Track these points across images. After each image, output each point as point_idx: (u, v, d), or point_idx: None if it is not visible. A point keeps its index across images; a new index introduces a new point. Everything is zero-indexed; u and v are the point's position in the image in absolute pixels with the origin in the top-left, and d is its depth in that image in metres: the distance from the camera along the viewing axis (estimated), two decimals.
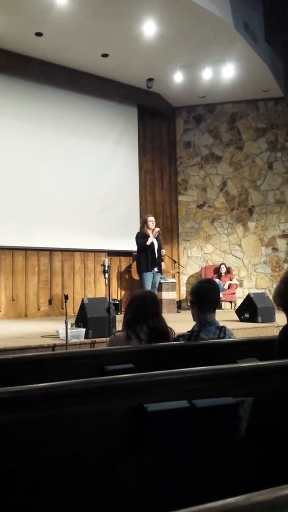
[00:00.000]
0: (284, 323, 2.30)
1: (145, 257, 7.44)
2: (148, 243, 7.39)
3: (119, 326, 3.99)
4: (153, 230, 7.49)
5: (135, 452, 1.40)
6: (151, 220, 7.57)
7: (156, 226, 7.66)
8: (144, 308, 2.95)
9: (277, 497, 0.73)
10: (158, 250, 7.53)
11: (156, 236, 7.55)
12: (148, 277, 7.43)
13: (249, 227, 11.13)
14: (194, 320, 2.94)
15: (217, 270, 10.61)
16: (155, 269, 7.50)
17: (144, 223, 7.61)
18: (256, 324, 6.89)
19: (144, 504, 1.43)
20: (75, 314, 6.33)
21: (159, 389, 1.51)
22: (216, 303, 3.00)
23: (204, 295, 2.90)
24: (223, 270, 10.46)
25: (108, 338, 3.34)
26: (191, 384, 1.57)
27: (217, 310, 2.99)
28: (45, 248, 9.40)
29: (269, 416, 1.63)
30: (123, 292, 10.59)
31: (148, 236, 7.44)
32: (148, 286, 7.29)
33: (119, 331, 3.08)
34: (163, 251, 7.70)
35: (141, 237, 7.53)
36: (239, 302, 8.68)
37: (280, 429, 1.63)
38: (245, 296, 7.79)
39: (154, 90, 10.36)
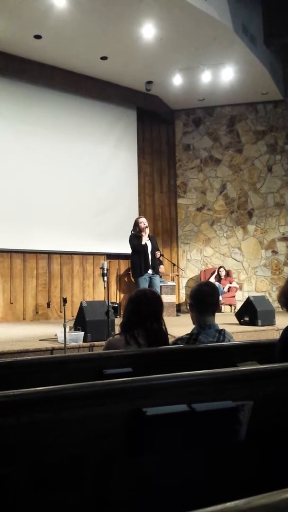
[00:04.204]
0: (285, 326, 2.29)
1: (138, 260, 7.28)
2: (143, 242, 7.27)
3: (118, 330, 3.95)
4: (144, 229, 7.32)
5: (134, 456, 1.39)
6: (141, 221, 7.42)
7: (154, 229, 7.56)
8: (138, 310, 2.83)
9: (277, 501, 0.72)
10: (151, 252, 7.34)
11: (149, 237, 7.42)
12: (143, 281, 7.24)
13: (249, 230, 11.13)
14: (194, 323, 2.93)
15: (216, 275, 10.60)
16: (150, 272, 7.32)
17: (135, 225, 7.46)
18: (256, 327, 6.88)
19: (143, 509, 1.42)
20: (74, 317, 6.32)
21: (158, 393, 1.50)
22: (215, 306, 2.99)
23: (204, 298, 2.90)
24: (222, 273, 10.45)
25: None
26: (190, 388, 1.56)
27: (217, 314, 2.98)
28: (44, 251, 9.40)
29: (269, 420, 1.62)
30: (122, 296, 10.58)
31: (141, 237, 7.30)
32: None
33: (117, 334, 2.96)
34: (158, 253, 7.48)
35: (134, 239, 7.37)
36: (239, 305, 8.66)
37: (280, 432, 1.62)
38: (244, 299, 7.78)
39: (153, 93, 10.37)
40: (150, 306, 2.83)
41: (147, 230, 7.40)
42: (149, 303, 2.84)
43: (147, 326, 2.77)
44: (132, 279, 9.89)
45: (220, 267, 10.61)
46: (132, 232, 7.45)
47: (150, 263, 7.27)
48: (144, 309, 2.81)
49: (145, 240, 7.32)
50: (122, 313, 9.58)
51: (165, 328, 2.87)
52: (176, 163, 11.53)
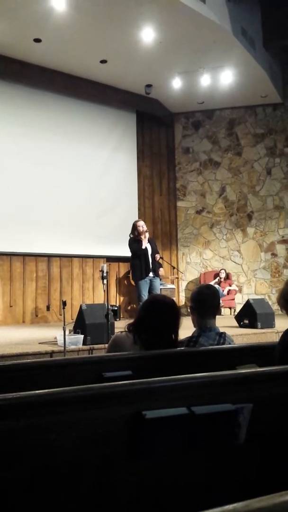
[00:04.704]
0: (285, 329, 2.29)
1: (139, 263, 7.19)
2: (143, 246, 7.20)
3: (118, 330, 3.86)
4: (144, 233, 7.25)
5: (133, 459, 1.39)
6: (140, 225, 7.32)
7: (154, 232, 7.51)
8: (149, 316, 2.64)
9: (276, 504, 0.72)
10: (152, 255, 7.24)
11: (148, 239, 7.33)
12: (144, 285, 7.16)
13: (248, 233, 11.14)
14: (194, 326, 2.93)
15: (216, 276, 10.59)
16: (151, 275, 7.23)
17: (134, 229, 7.35)
18: (256, 330, 6.88)
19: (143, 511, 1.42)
20: (73, 320, 6.31)
21: (157, 396, 1.50)
22: (216, 309, 2.99)
23: (205, 301, 2.89)
24: (222, 275, 10.45)
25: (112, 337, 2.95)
26: (190, 391, 1.56)
27: (216, 316, 2.98)
28: (44, 254, 9.40)
29: (269, 423, 1.62)
30: (121, 298, 10.58)
31: (141, 241, 7.23)
32: (144, 294, 7.01)
33: (123, 331, 2.77)
34: (157, 256, 7.42)
35: (134, 243, 7.29)
36: (238, 308, 8.67)
37: (280, 435, 1.62)
38: (244, 302, 7.78)
39: (153, 96, 10.39)
40: (162, 315, 2.63)
41: (147, 234, 7.32)
42: (155, 310, 2.65)
43: (155, 334, 2.59)
44: (132, 282, 9.90)
45: (221, 270, 10.61)
46: (131, 236, 7.36)
47: (151, 266, 7.22)
48: (152, 315, 2.64)
49: (145, 244, 7.24)
50: (122, 316, 9.61)
51: (171, 340, 2.65)
52: (176, 166, 11.54)
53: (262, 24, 9.55)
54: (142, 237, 7.24)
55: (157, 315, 2.62)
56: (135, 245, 7.25)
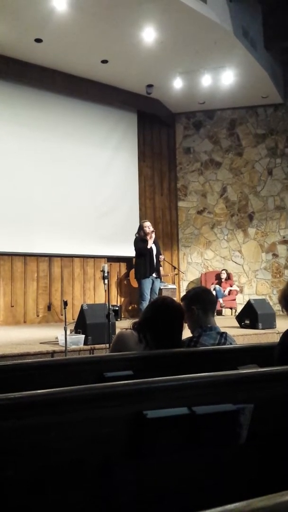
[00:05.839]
0: (285, 329, 2.29)
1: (143, 262, 7.30)
2: (148, 246, 7.30)
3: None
4: (150, 233, 7.37)
5: (134, 459, 1.39)
6: (147, 225, 7.46)
7: (155, 232, 7.59)
8: (155, 319, 2.65)
9: (277, 504, 0.72)
10: (156, 255, 7.37)
11: (153, 240, 7.46)
12: (147, 283, 7.27)
13: (249, 233, 11.13)
14: (191, 330, 2.89)
15: (218, 276, 10.59)
16: (154, 275, 7.34)
17: (140, 229, 7.50)
18: (257, 330, 6.88)
19: (143, 511, 1.42)
20: (75, 320, 6.32)
21: (158, 396, 1.50)
22: (215, 305, 2.99)
23: (204, 296, 2.89)
24: (223, 275, 10.45)
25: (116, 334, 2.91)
26: (191, 391, 1.56)
27: (217, 317, 2.97)
28: (45, 254, 9.40)
29: (270, 423, 1.62)
30: (122, 299, 10.58)
31: (147, 241, 7.35)
32: (147, 293, 7.16)
33: (128, 328, 2.76)
34: (162, 257, 7.54)
35: (140, 242, 7.42)
36: (239, 309, 8.66)
37: (281, 435, 1.62)
38: (245, 303, 7.78)
39: (154, 96, 10.40)
40: (170, 318, 2.65)
41: (153, 235, 7.46)
42: (169, 315, 2.66)
43: (160, 335, 2.61)
44: (132, 283, 9.90)
45: (222, 270, 10.62)
46: (137, 235, 7.50)
47: (155, 266, 7.32)
48: (163, 319, 2.65)
49: (150, 243, 7.37)
50: (123, 316, 9.61)
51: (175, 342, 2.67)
52: (177, 166, 11.54)
53: (263, 24, 9.55)
54: (148, 237, 7.36)
55: (165, 317, 2.64)
56: (140, 244, 7.40)
